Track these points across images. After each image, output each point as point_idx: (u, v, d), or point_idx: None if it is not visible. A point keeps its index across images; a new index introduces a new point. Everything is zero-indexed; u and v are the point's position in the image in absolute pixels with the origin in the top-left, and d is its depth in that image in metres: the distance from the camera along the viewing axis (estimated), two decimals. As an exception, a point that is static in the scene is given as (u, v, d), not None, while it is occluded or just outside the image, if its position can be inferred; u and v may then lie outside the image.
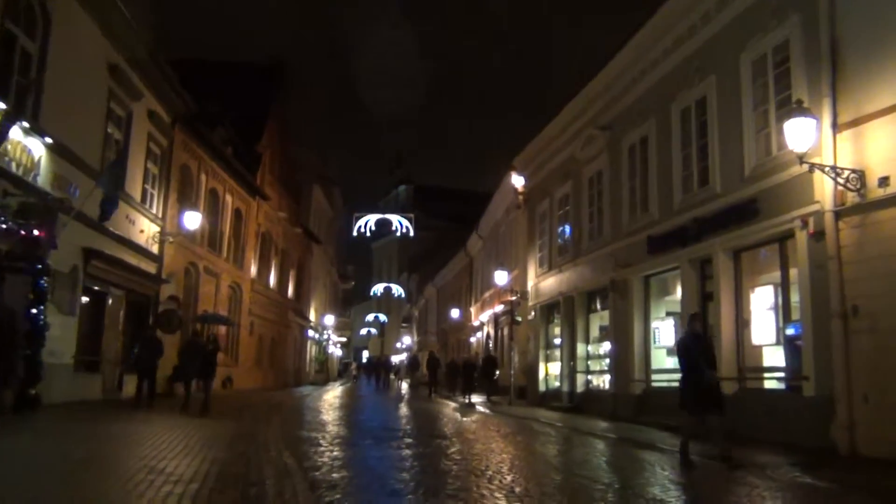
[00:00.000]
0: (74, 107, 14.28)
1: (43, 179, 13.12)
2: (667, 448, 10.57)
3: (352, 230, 36.45)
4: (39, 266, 12.13)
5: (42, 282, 12.71)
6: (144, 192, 18.92)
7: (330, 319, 47.12)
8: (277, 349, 34.79)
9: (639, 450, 10.64)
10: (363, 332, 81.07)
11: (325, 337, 46.96)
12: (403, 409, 20.57)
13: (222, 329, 25.81)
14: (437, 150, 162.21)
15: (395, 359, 59.51)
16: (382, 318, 74.79)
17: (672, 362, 15.49)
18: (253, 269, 29.91)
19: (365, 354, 74.75)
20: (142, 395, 14.40)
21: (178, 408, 13.90)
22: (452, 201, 61.83)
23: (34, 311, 12.36)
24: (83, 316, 15.71)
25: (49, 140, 12.99)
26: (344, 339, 57.26)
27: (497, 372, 27.43)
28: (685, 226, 14.08)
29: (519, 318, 23.64)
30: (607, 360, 17.97)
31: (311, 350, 44.84)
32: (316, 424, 13.54)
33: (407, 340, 67.16)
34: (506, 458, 8.78)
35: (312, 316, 43.60)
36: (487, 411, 19.73)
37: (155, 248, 19.58)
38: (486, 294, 33.07)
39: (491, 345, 32.53)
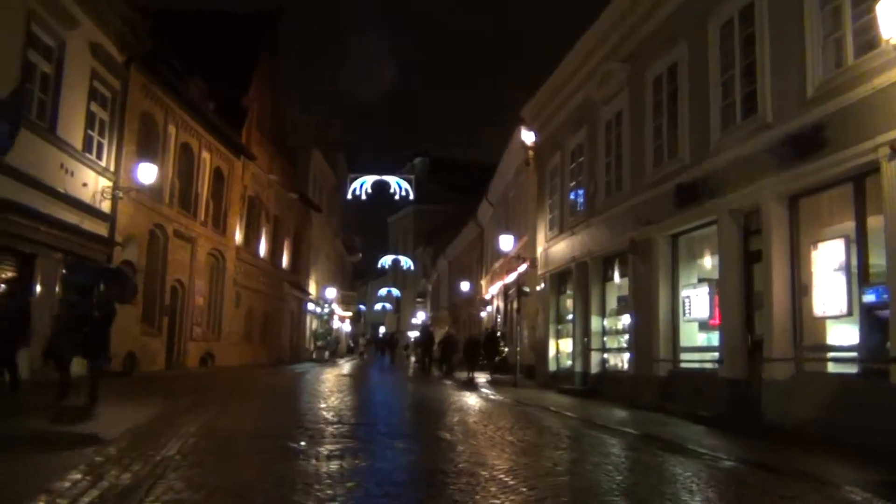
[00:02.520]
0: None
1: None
2: (704, 452, 7.90)
3: (346, 193, 33.68)
4: None
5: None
6: (88, 139, 16.29)
7: (332, 292, 44.51)
8: (271, 323, 32.34)
9: (666, 454, 7.95)
10: (378, 307, 78.95)
11: (327, 311, 44.45)
12: (389, 391, 18.10)
13: (199, 299, 23.37)
14: (450, 121, 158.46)
15: (411, 335, 57.35)
16: (396, 292, 72.64)
17: (704, 339, 12.80)
18: (238, 236, 27.36)
19: (382, 330, 72.79)
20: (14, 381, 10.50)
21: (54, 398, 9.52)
22: (470, 173, 58.87)
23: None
24: (-1, 281, 13.24)
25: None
26: (349, 314, 54.77)
27: (504, 349, 25.32)
28: (724, 169, 11.25)
29: (527, 290, 20.95)
30: (626, 337, 15.23)
31: (312, 325, 42.40)
32: (262, 412, 11.00)
33: (422, 316, 64.75)
34: (482, 476, 6.08)
35: (313, 289, 41.10)
36: (489, 393, 17.13)
37: (105, 206, 17.02)
38: (496, 265, 30.42)
39: (500, 319, 29.97)
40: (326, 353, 40.75)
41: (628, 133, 14.91)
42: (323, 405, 12.29)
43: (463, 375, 23.16)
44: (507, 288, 27.52)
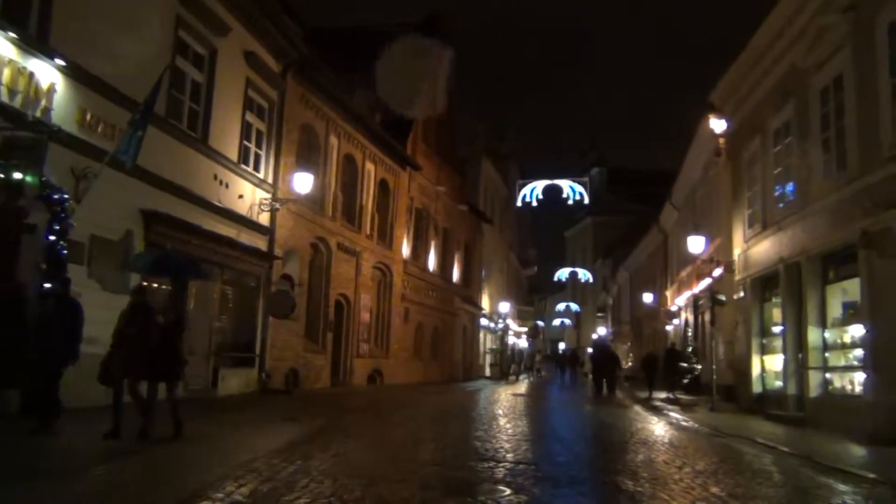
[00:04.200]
0: (113, 27, 11.15)
1: (61, 116, 10.18)
2: None
3: (517, 200, 31.99)
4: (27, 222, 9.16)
5: (59, 246, 9.88)
6: (244, 150, 15.91)
7: (505, 307, 42.88)
8: (442, 340, 31.29)
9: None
10: (556, 322, 76.47)
11: (501, 326, 42.86)
12: (560, 415, 16.21)
13: (365, 315, 22.62)
14: (626, 131, 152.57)
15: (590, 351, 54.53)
16: (575, 307, 69.86)
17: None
18: (405, 249, 26.54)
19: (561, 346, 70.46)
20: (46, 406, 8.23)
21: (111, 430, 7.80)
22: (649, 182, 55.43)
23: (48, 286, 9.42)
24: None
25: (61, 62, 10.01)
26: (525, 330, 52.84)
27: (696, 367, 22.71)
28: None
29: (722, 298, 18.03)
30: (859, 352, 12.15)
31: (486, 341, 41.01)
32: (408, 442, 9.49)
33: (602, 331, 61.59)
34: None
35: (486, 304, 39.75)
36: (679, 418, 14.66)
37: (263, 219, 16.57)
38: (683, 273, 27.34)
39: (689, 333, 26.81)
40: (510, 371, 38.84)
41: (853, 98, 11.93)
42: (481, 433, 10.57)
43: (644, 395, 21.49)
44: (696, 298, 24.49)
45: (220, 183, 14.70)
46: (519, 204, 32.25)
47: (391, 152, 24.69)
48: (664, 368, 22.04)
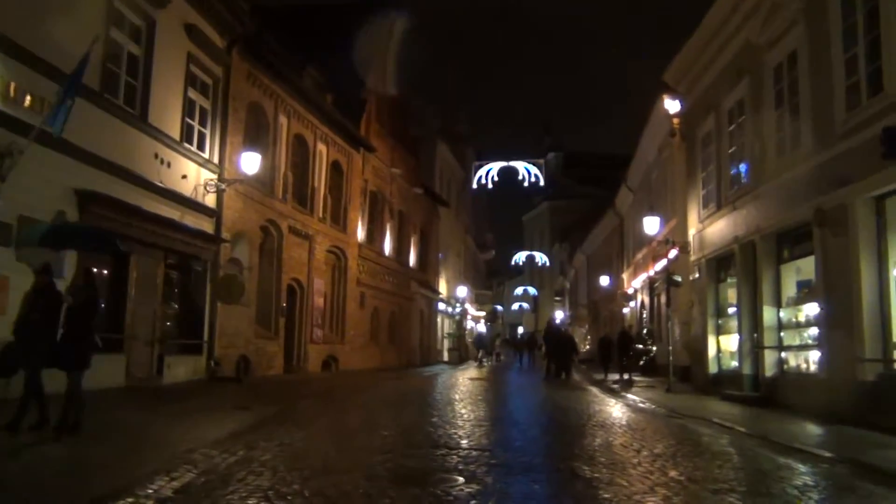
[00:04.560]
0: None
1: (-18, 88, 9.51)
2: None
3: (473, 182, 31.66)
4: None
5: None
6: (188, 128, 15.23)
7: (463, 291, 42.60)
8: (398, 324, 30.90)
9: None
10: (515, 306, 76.69)
11: (459, 311, 42.61)
12: (517, 399, 16.00)
13: (319, 300, 22.11)
14: (585, 111, 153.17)
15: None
16: (533, 291, 70.14)
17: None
18: (360, 233, 26.02)
19: (520, 330, 70.69)
20: None
21: (34, 421, 7.30)
22: (607, 167, 55.73)
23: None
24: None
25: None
26: (483, 314, 52.76)
27: (651, 348, 22.87)
28: (960, 99, 8.19)
29: (678, 279, 18.00)
30: (813, 331, 12.16)
31: (444, 325, 40.74)
32: (359, 429, 9.13)
33: (560, 315, 61.92)
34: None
35: (443, 288, 39.44)
36: (636, 400, 14.57)
37: (209, 200, 15.94)
38: (639, 255, 27.42)
39: (646, 315, 26.94)
40: (478, 355, 38.35)
41: (807, 75, 11.85)
42: (435, 419, 10.27)
43: (600, 377, 21.55)
44: (652, 280, 24.57)
45: (162, 162, 14.02)
46: (475, 186, 31.89)
47: (344, 133, 24.10)
48: (618, 350, 22.17)
